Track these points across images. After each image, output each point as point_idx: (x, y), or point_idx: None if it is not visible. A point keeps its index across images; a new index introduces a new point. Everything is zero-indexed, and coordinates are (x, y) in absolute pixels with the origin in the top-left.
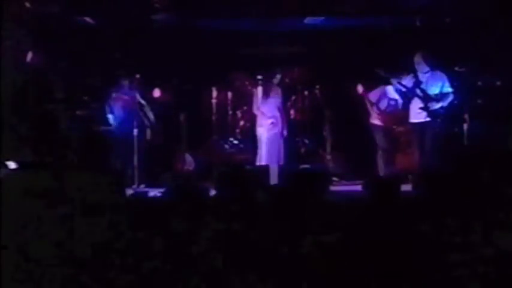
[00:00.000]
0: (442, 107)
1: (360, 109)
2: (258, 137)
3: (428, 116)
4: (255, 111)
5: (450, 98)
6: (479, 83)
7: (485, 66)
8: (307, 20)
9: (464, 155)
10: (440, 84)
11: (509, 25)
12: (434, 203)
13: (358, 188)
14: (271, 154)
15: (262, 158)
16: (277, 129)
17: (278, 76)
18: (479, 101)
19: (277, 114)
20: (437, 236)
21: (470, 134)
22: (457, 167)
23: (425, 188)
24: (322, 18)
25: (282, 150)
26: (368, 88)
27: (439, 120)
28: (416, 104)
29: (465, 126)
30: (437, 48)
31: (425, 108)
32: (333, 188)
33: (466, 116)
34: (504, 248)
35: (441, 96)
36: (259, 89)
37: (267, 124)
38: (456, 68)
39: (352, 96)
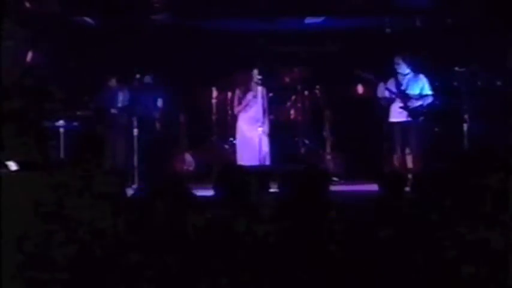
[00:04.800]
0: (421, 106)
1: (360, 109)
2: (240, 137)
3: (410, 115)
4: (237, 111)
5: (430, 100)
6: (479, 83)
7: (485, 66)
8: (307, 20)
9: (450, 154)
10: (420, 86)
11: (508, 25)
12: (425, 203)
13: (359, 188)
14: (253, 154)
15: (243, 157)
16: (261, 129)
17: (255, 72)
18: (476, 101)
19: (262, 114)
20: (430, 237)
21: (453, 133)
22: (444, 166)
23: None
24: (322, 18)
25: (266, 150)
26: (368, 88)
27: (420, 119)
28: (396, 104)
29: (448, 126)
30: (437, 48)
31: (405, 108)
32: (333, 188)
33: (463, 116)
34: (500, 245)
35: (420, 97)
36: (245, 89)
37: (251, 124)
38: (456, 68)
39: (352, 96)
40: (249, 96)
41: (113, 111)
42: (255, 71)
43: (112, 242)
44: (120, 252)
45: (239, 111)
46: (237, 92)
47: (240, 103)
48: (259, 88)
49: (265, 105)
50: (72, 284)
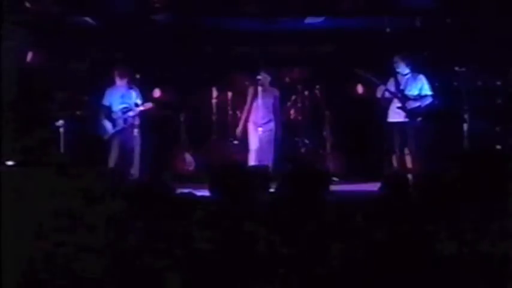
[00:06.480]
0: (419, 106)
1: (360, 109)
2: (250, 137)
3: (407, 115)
4: (246, 112)
5: (429, 100)
6: (479, 83)
7: (484, 66)
8: (307, 20)
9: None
10: (419, 86)
11: (508, 25)
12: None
13: (359, 188)
14: (262, 154)
15: (252, 158)
16: (270, 130)
17: (263, 74)
18: (476, 101)
19: (271, 114)
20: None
21: (453, 133)
22: (443, 166)
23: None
24: (322, 18)
25: (272, 151)
26: (368, 88)
27: (418, 119)
28: (394, 104)
29: (447, 126)
30: (437, 48)
31: (403, 108)
32: (333, 188)
33: (463, 116)
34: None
35: (419, 98)
36: (253, 90)
37: (259, 124)
38: (456, 68)
39: (352, 96)
40: (257, 96)
41: (113, 111)
42: (259, 72)
43: (110, 239)
44: (117, 248)
45: (248, 112)
46: (250, 91)
47: (251, 104)
48: (260, 88)
49: (277, 104)
50: (72, 282)
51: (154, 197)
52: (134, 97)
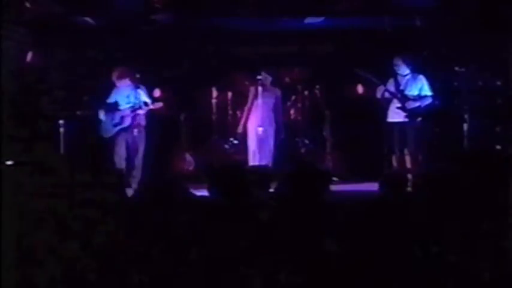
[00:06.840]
0: (419, 107)
1: (360, 109)
2: (250, 137)
3: (407, 116)
4: (246, 112)
5: (429, 100)
6: (479, 83)
7: (484, 66)
8: (307, 20)
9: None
10: (419, 86)
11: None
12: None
13: (359, 188)
14: (262, 154)
15: (251, 158)
16: (268, 131)
17: (264, 74)
18: (476, 101)
19: (271, 114)
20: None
21: (453, 134)
22: (443, 166)
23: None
24: (322, 18)
25: (272, 151)
26: (368, 88)
27: (418, 119)
28: (394, 104)
29: (447, 126)
30: (437, 48)
31: (403, 108)
32: (333, 188)
33: (463, 117)
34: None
35: (419, 98)
36: (254, 90)
37: (259, 124)
38: (456, 68)
39: (352, 96)
40: (258, 96)
41: (120, 109)
42: (259, 72)
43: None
44: (115, 246)
45: (248, 112)
46: (251, 91)
47: (252, 104)
48: (261, 88)
49: (278, 104)
50: (69, 279)
51: (170, 198)
52: (142, 96)
